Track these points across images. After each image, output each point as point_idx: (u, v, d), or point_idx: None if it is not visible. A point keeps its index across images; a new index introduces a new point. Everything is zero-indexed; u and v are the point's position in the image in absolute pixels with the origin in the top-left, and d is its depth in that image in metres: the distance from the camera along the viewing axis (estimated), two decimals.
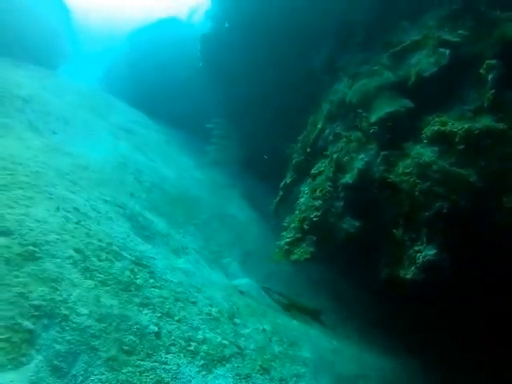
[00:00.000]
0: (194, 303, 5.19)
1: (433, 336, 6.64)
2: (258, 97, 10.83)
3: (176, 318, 4.72)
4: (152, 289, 4.85)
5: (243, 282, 7.73)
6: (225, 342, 4.85)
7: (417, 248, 5.56)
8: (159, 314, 4.57)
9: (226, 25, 11.49)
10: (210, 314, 5.12)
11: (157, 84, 15.82)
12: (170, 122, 15.43)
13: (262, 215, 11.06)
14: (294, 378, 5.15)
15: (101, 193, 6.60)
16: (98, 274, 4.49)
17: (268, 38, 10.24)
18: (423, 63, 6.02)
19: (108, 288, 4.40)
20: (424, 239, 5.49)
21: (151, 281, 5.01)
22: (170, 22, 17.57)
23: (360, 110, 6.56)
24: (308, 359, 5.69)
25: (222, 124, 12.70)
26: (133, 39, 18.04)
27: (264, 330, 5.60)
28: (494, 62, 5.43)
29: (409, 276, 5.54)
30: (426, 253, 5.42)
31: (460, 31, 6.05)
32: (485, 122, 5.39)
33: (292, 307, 7.16)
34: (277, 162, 9.56)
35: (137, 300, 4.50)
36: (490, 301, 5.89)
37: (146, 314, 4.39)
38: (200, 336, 4.70)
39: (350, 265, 6.91)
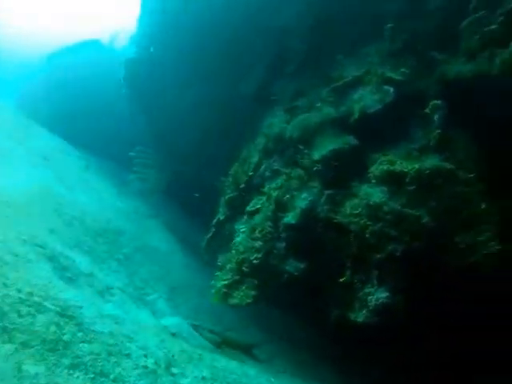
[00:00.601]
0: (128, 355, 4.71)
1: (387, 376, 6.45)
2: (186, 124, 10.40)
3: (111, 377, 4.19)
4: (82, 344, 4.33)
5: (173, 321, 7.31)
6: None
7: (367, 290, 5.38)
8: (92, 375, 4.03)
9: (152, 49, 11.00)
10: (146, 367, 4.65)
11: (78, 109, 14.96)
12: (92, 149, 14.64)
13: (187, 246, 10.58)
14: None
15: (18, 232, 5.89)
16: (18, 335, 3.84)
17: (197, 63, 9.84)
18: (367, 100, 5.92)
19: (32, 350, 3.77)
20: (375, 281, 5.32)
21: (80, 334, 4.48)
22: (91, 45, 16.72)
23: (301, 147, 6.35)
24: None
25: (146, 152, 12.14)
26: (52, 62, 16.98)
27: (203, 377, 5.23)
28: (438, 102, 5.41)
29: (360, 319, 5.33)
30: (378, 295, 5.25)
31: (402, 69, 6.00)
32: (432, 161, 5.33)
33: (224, 344, 6.83)
34: (203, 193, 9.20)
35: (66, 361, 3.97)
36: (444, 341, 5.83)
37: (77, 378, 3.81)
38: None
39: (294, 306, 6.61)
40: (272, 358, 7.40)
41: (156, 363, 4.74)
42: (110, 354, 4.47)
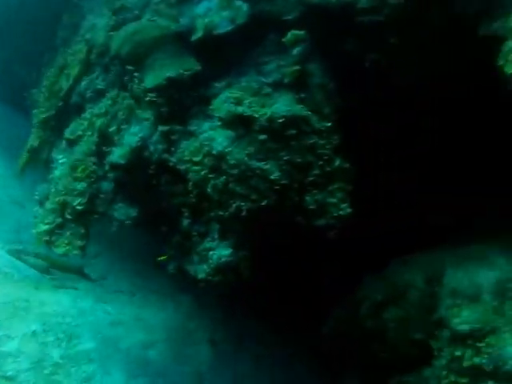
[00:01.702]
0: None
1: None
2: None
3: None
4: None
5: None
6: None
7: (208, 245, 4.79)
8: None
9: None
10: None
11: None
12: None
13: None
14: None
15: None
16: None
17: None
18: (214, 16, 4.87)
19: None
20: (216, 236, 4.73)
21: None
22: None
23: (131, 67, 5.19)
24: (92, 350, 5.11)
25: None
26: None
27: (34, 332, 4.69)
28: (301, 33, 4.60)
29: (202, 276, 4.79)
30: (221, 252, 4.69)
31: None
32: (285, 103, 4.58)
33: (52, 267, 6.27)
34: None
35: None
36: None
37: None
38: None
39: None
40: (106, 274, 6.90)
41: None
42: None
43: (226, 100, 4.66)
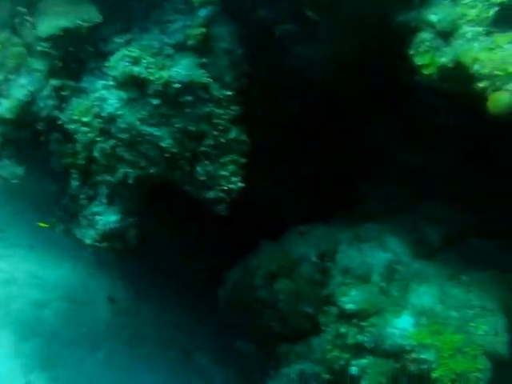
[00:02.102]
0: None
1: None
2: None
3: None
4: None
5: None
6: None
7: (95, 209, 4.59)
8: None
9: None
10: None
11: None
12: None
13: None
14: None
15: None
16: None
17: None
18: None
19: None
20: (104, 201, 4.54)
21: None
22: None
23: (22, 9, 4.69)
24: None
25: None
26: None
27: None
28: None
29: (88, 241, 4.61)
30: (108, 218, 4.51)
31: None
32: (185, 67, 4.33)
33: None
34: None
35: None
36: None
37: None
38: None
39: None
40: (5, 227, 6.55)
41: None
42: None
43: (122, 58, 4.35)
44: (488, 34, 3.57)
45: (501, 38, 3.51)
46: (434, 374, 4.09)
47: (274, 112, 5.39)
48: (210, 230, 5.69)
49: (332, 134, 5.53)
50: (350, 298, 4.43)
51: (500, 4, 3.47)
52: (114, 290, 6.17)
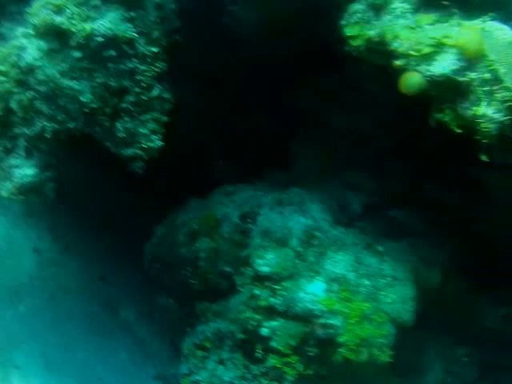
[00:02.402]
0: None
1: None
2: None
3: None
4: None
5: None
6: None
7: (13, 162, 4.42)
8: None
9: None
10: None
11: None
12: None
13: None
14: None
15: None
16: None
17: None
18: None
19: None
20: (22, 153, 4.38)
21: None
22: None
23: None
24: None
25: None
26: None
27: None
28: None
29: (4, 194, 4.44)
30: (25, 171, 4.35)
31: None
32: (112, 17, 4.07)
33: None
34: None
35: None
36: None
37: None
38: None
39: None
40: None
41: None
42: None
43: (45, 5, 4.10)
44: (414, 12, 3.54)
45: (423, 18, 3.51)
46: (340, 339, 4.19)
47: (209, 68, 5.25)
48: (136, 185, 5.57)
49: (264, 93, 5.44)
50: (266, 261, 4.46)
51: None
52: (40, 241, 6.02)
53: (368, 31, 3.75)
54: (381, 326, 4.45)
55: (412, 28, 3.50)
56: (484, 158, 3.31)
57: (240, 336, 4.76)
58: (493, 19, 3.30)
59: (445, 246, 4.97)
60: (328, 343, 4.45)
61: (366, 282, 4.55)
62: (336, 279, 4.49)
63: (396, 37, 3.47)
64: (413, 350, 5.13)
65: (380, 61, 3.77)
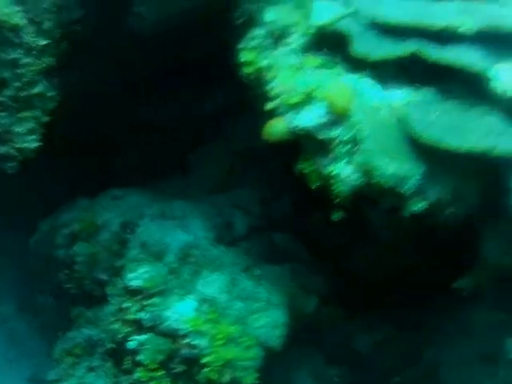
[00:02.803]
0: None
1: None
2: None
3: None
4: None
5: None
6: None
7: None
8: None
9: None
10: None
11: None
12: None
13: None
14: None
15: None
16: None
17: None
18: None
19: None
20: None
21: None
22: None
23: None
24: None
25: None
26: None
27: None
28: None
29: None
30: None
31: None
32: None
33: None
34: None
35: None
36: None
37: None
38: None
39: None
40: None
41: None
42: None
43: None
44: (306, 51, 3.45)
45: (310, 60, 3.40)
46: (204, 360, 4.15)
47: (112, 65, 5.05)
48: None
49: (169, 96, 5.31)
50: (137, 275, 4.38)
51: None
52: None
53: (262, 60, 3.61)
54: (248, 349, 4.43)
55: (296, 69, 3.37)
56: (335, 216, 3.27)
57: (110, 345, 4.65)
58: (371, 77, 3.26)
59: (323, 273, 5.00)
60: (193, 362, 4.41)
61: (238, 305, 4.52)
62: (207, 299, 4.43)
63: (274, 77, 3.37)
64: (285, 369, 5.17)
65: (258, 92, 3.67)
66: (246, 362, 4.37)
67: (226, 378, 4.32)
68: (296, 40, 3.57)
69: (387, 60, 3.06)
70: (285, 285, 4.74)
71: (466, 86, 3.01)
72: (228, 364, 4.31)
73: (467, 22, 2.99)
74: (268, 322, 4.49)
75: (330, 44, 3.39)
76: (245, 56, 3.75)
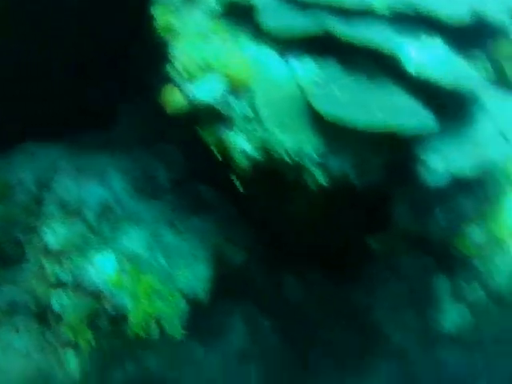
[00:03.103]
0: None
1: None
2: None
3: None
4: None
5: None
6: None
7: None
8: None
9: None
10: None
11: None
12: None
13: None
14: None
15: None
16: None
17: None
18: None
19: None
20: None
21: None
22: None
23: None
24: None
25: None
26: None
27: None
28: None
29: None
30: None
31: None
32: None
33: None
34: None
35: None
36: None
37: None
38: None
39: None
40: None
41: None
42: None
43: None
44: (218, 16, 3.43)
45: (217, 27, 3.39)
46: (130, 316, 4.09)
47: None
48: None
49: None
50: (55, 233, 4.23)
51: None
52: None
53: (173, 20, 3.48)
54: (172, 303, 4.40)
55: (201, 36, 3.25)
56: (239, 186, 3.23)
57: (33, 306, 4.53)
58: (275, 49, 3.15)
59: (249, 225, 4.96)
60: (118, 319, 4.35)
61: (162, 260, 4.44)
62: (129, 256, 4.34)
63: (178, 43, 3.23)
64: (217, 318, 5.19)
65: None
66: (171, 316, 4.33)
67: (153, 332, 4.29)
68: (209, 4, 3.42)
69: (297, 37, 2.95)
70: (210, 238, 4.67)
71: (375, 64, 2.94)
72: (153, 319, 4.26)
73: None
74: (192, 276, 4.44)
75: (239, 12, 3.31)
76: (157, 11, 3.58)
